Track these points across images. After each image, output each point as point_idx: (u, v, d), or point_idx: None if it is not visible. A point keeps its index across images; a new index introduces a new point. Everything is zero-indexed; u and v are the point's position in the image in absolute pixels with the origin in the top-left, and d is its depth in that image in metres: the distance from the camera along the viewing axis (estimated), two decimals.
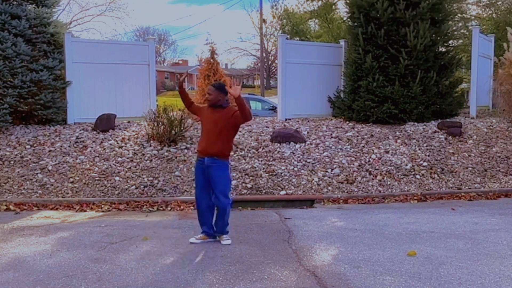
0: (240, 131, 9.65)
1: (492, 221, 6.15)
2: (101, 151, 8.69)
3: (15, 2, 9.88)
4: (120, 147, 8.87)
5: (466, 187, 8.02)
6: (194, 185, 7.65)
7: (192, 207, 7.15)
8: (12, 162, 8.30)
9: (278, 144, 9.08)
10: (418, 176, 8.28)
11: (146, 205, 7.24)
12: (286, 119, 10.81)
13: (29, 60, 9.39)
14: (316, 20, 26.26)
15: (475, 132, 9.68)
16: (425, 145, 9.20)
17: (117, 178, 7.93)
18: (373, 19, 10.27)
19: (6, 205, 7.08)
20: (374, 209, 6.96)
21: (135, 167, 8.27)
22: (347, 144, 9.22)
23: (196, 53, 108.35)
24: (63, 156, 8.50)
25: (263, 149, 8.93)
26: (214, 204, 5.22)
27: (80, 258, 4.72)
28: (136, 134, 9.42)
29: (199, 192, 5.27)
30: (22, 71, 9.22)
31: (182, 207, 7.16)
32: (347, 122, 10.36)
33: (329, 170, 8.38)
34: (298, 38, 25.76)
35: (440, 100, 10.45)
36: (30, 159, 8.39)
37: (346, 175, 8.26)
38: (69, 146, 8.81)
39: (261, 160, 8.56)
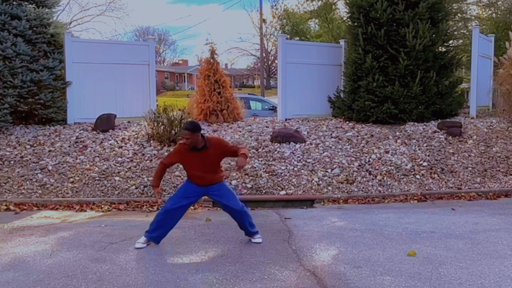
0: (240, 131, 9.66)
1: (492, 221, 6.15)
2: (101, 151, 8.69)
3: (15, 3, 9.89)
4: (120, 147, 8.87)
5: (466, 187, 8.02)
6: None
7: (192, 207, 7.14)
8: (12, 162, 8.31)
9: (278, 144, 9.08)
10: (418, 176, 8.28)
11: (146, 205, 7.24)
12: (286, 119, 10.81)
13: (29, 60, 9.39)
14: (316, 20, 26.22)
15: (475, 132, 9.68)
16: (425, 145, 9.20)
17: (117, 178, 7.93)
18: (373, 19, 10.27)
19: (6, 205, 7.08)
20: (374, 209, 6.96)
21: (135, 167, 8.27)
22: (347, 144, 9.22)
23: (196, 53, 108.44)
24: (63, 156, 8.50)
25: (263, 149, 8.93)
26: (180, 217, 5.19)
27: (80, 258, 4.73)
28: (136, 134, 9.42)
29: (181, 199, 5.10)
30: (22, 71, 9.23)
31: None
32: (347, 122, 10.36)
33: (329, 170, 8.38)
34: (298, 38, 25.74)
35: (440, 100, 10.45)
36: (30, 159, 8.40)
37: (346, 175, 8.26)
38: (69, 146, 8.81)
39: (261, 160, 8.56)
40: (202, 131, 5.03)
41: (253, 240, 5.27)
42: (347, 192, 7.86)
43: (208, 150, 4.96)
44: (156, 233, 5.14)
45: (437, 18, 10.46)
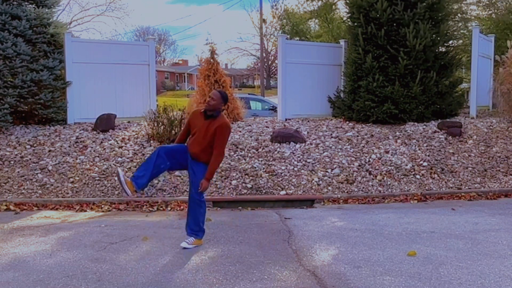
0: (240, 131, 9.66)
1: (492, 221, 6.15)
2: (101, 151, 8.69)
3: (15, 3, 9.89)
4: (120, 147, 8.87)
5: (466, 187, 8.02)
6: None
7: None
8: (12, 162, 8.31)
9: (278, 144, 9.08)
10: (418, 176, 8.28)
11: (146, 205, 7.24)
12: (286, 119, 10.81)
13: (29, 60, 9.39)
14: (316, 20, 26.24)
15: (475, 132, 9.68)
16: (425, 145, 9.20)
17: (117, 178, 7.93)
18: (373, 19, 10.27)
19: (6, 205, 7.08)
20: (374, 209, 6.96)
21: (135, 167, 8.26)
22: (347, 144, 9.22)
23: (196, 53, 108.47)
24: (63, 156, 8.50)
25: (263, 149, 8.93)
26: (162, 167, 4.97)
27: (80, 258, 4.73)
28: (136, 134, 9.42)
29: (168, 148, 5.06)
30: (23, 71, 9.23)
31: (182, 207, 7.15)
32: (347, 122, 10.37)
33: (329, 170, 8.38)
34: (298, 38, 25.75)
35: (440, 100, 10.45)
36: (30, 159, 8.40)
37: (346, 175, 8.26)
38: (69, 146, 8.81)
39: (261, 160, 8.56)
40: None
41: (182, 242, 5.06)
42: (347, 192, 7.86)
43: (212, 122, 4.94)
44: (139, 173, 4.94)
45: (437, 18, 10.46)
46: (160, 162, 4.92)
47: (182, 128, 5.34)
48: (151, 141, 9.00)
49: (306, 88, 11.07)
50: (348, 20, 11.38)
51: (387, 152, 8.93)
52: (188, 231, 5.17)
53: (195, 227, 5.13)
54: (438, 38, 10.48)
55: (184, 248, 5.02)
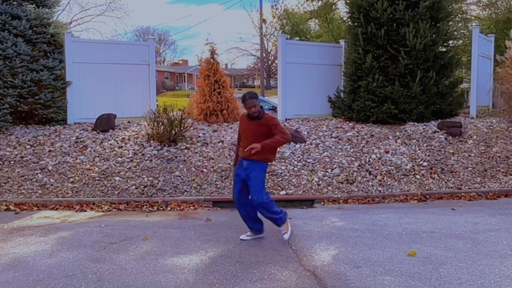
0: None
1: (492, 221, 6.15)
2: (101, 151, 8.69)
3: (15, 3, 9.89)
4: (120, 147, 8.87)
5: (466, 187, 8.02)
6: (195, 185, 7.74)
7: (192, 207, 7.16)
8: (12, 162, 8.31)
9: None
10: (418, 176, 8.28)
11: (146, 205, 7.24)
12: (286, 119, 10.81)
13: (29, 60, 9.40)
14: (316, 20, 26.22)
15: (475, 132, 9.68)
16: (425, 145, 9.20)
17: (117, 178, 7.93)
18: (373, 19, 10.27)
19: (6, 205, 7.08)
20: (374, 209, 6.96)
21: (135, 167, 8.27)
22: (347, 144, 9.21)
23: (196, 53, 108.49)
24: (63, 156, 8.50)
25: None
26: (248, 202, 5.34)
27: (80, 258, 4.73)
28: (136, 134, 9.42)
29: (237, 192, 5.34)
30: (23, 71, 9.23)
31: (182, 207, 7.16)
32: (347, 122, 10.37)
33: (329, 170, 8.38)
34: (298, 38, 25.72)
35: (440, 100, 10.45)
36: (30, 159, 8.40)
37: (346, 175, 8.26)
38: (69, 146, 8.81)
39: None
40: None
41: (284, 235, 5.30)
42: (347, 192, 7.85)
43: (261, 121, 5.20)
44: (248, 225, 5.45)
45: (437, 18, 10.46)
46: (245, 211, 5.36)
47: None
48: (151, 141, 9.00)
49: (306, 88, 11.07)
50: (348, 20, 11.38)
51: (387, 152, 8.93)
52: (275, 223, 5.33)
53: (275, 215, 5.25)
54: (438, 38, 10.48)
55: (286, 238, 5.25)
